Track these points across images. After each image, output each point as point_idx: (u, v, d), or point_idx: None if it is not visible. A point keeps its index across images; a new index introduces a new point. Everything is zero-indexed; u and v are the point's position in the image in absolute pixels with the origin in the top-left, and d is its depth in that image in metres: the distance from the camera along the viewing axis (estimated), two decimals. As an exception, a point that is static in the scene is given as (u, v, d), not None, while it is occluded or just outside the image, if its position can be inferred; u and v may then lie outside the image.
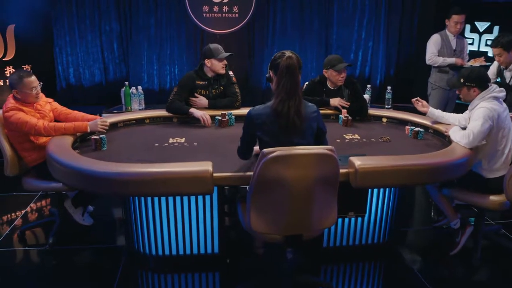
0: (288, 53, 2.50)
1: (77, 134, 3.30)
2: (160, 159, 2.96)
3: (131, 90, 4.45)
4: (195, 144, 3.30)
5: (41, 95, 3.43)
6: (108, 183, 2.62)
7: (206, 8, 6.56)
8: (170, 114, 3.85)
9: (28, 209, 4.05)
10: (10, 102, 3.26)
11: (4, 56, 5.01)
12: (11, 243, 3.49)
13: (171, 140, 3.37)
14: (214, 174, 2.64)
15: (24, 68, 5.19)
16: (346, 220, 3.30)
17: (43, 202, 4.22)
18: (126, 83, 4.59)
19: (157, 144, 3.29)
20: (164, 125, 3.82)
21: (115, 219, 3.90)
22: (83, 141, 3.34)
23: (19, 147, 3.31)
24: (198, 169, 2.59)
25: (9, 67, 5.07)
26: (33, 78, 3.29)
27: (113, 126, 3.69)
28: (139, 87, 4.52)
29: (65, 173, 2.76)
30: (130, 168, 2.62)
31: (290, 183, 2.38)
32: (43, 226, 3.67)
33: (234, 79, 4.05)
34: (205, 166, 2.61)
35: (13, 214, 3.97)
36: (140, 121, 3.83)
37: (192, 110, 3.72)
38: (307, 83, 4.18)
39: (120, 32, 6.61)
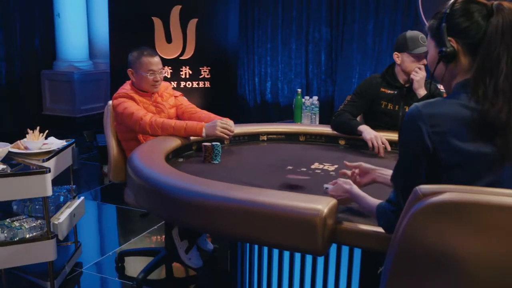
0: None
1: (190, 138, 2.72)
2: (277, 186, 2.13)
3: (303, 101, 3.73)
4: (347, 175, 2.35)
5: (166, 85, 3.01)
6: (174, 206, 1.91)
7: (446, 11, 5.45)
8: (335, 132, 2.97)
9: (155, 227, 3.67)
10: (124, 88, 2.90)
11: (181, 54, 4.92)
12: (106, 268, 3.09)
13: (314, 165, 2.50)
14: (337, 223, 1.67)
15: (202, 71, 5.03)
16: None
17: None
18: (299, 90, 3.90)
19: (290, 167, 2.46)
20: (323, 146, 2.95)
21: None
22: (201, 150, 2.73)
23: (126, 145, 2.91)
24: (301, 205, 1.64)
25: (185, 68, 4.95)
26: (156, 59, 2.87)
27: (254, 137, 3.01)
28: (314, 98, 3.76)
29: (135, 185, 2.15)
30: (201, 186, 1.85)
31: (475, 267, 1.22)
32: (150, 254, 3.18)
33: (445, 95, 2.92)
34: (318, 203, 1.64)
35: (129, 231, 3.65)
36: (291, 137, 3.04)
37: (362, 128, 2.75)
38: None
39: (331, 41, 6.07)
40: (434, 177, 1.37)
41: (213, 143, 2.54)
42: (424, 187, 1.25)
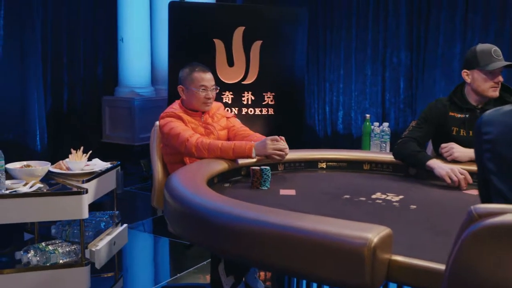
0: None
1: (239, 162, 2.65)
2: (327, 215, 2.01)
3: (372, 127, 3.59)
4: (412, 207, 2.19)
5: (218, 106, 3.00)
6: (206, 230, 1.84)
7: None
8: (399, 161, 2.80)
9: (204, 263, 3.61)
10: (172, 107, 2.91)
11: (244, 78, 4.91)
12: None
13: (375, 195, 2.35)
14: (392, 257, 1.52)
15: (266, 97, 4.99)
16: None
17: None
18: (367, 115, 3.76)
19: (347, 196, 2.33)
20: (390, 176, 2.79)
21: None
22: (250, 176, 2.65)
23: (171, 169, 2.88)
24: (347, 233, 1.51)
25: (248, 93, 4.93)
26: (208, 75, 2.87)
27: (312, 164, 2.90)
28: (385, 124, 3.61)
29: (170, 209, 2.10)
30: (230, 208, 1.77)
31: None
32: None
33: None
34: (367, 231, 1.51)
35: (177, 266, 3.62)
36: (354, 165, 2.89)
37: (433, 164, 2.55)
38: None
39: (411, 66, 5.90)
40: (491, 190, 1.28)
41: (262, 167, 2.46)
42: (480, 207, 1.14)
